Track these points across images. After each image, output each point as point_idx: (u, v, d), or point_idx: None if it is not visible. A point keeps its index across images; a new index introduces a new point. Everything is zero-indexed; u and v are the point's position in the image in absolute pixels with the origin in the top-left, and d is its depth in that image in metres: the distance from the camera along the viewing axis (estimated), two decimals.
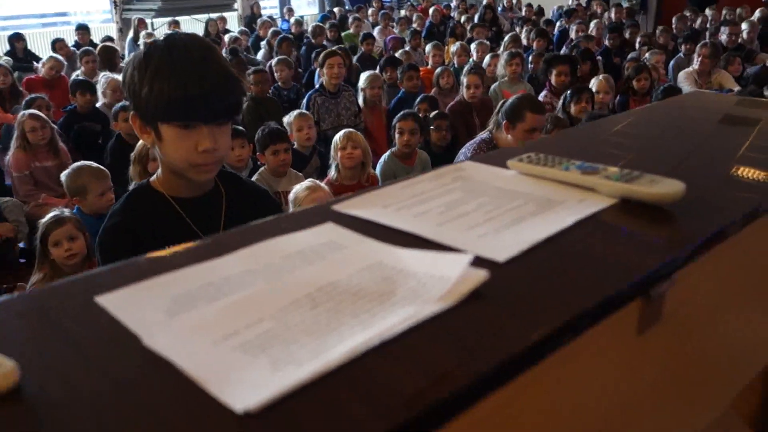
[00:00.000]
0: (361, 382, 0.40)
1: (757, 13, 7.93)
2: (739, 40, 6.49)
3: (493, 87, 5.13)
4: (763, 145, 0.90)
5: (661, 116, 1.13)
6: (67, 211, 2.56)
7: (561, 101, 4.00)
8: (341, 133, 3.26)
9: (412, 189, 0.72)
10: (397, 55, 6.11)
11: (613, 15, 8.71)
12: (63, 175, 2.92)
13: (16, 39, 7.50)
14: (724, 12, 8.35)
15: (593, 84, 4.37)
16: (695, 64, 5.27)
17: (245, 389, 0.39)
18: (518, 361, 0.44)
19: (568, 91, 3.98)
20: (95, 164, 3.01)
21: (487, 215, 0.65)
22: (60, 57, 6.16)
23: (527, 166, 0.75)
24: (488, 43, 6.51)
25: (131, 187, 1.60)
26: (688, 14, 8.05)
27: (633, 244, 0.59)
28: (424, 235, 0.60)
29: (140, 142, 3.26)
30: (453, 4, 10.58)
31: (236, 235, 0.61)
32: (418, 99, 4.48)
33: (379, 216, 0.64)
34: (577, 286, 0.52)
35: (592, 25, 7.59)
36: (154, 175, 1.27)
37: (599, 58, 6.01)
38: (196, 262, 0.55)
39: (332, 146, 3.26)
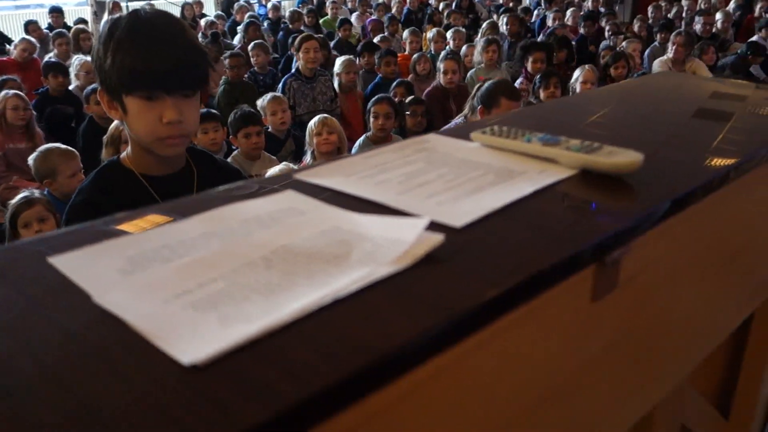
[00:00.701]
0: (312, 335, 0.40)
1: (731, 3, 8.02)
2: (714, 29, 6.57)
3: (469, 73, 5.14)
4: (736, 128, 0.91)
5: (634, 91, 1.15)
6: (37, 192, 2.52)
7: (531, 87, 4.03)
8: (316, 118, 3.25)
9: (375, 159, 0.72)
10: (375, 40, 6.08)
11: (590, 4, 8.75)
12: (30, 159, 2.87)
13: None
14: (699, 2, 8.43)
15: (578, 73, 4.37)
16: (670, 53, 5.32)
17: (193, 344, 0.39)
18: (469, 320, 0.45)
19: (537, 77, 4.01)
20: (63, 146, 2.97)
21: (447, 184, 0.65)
22: (32, 39, 6.05)
23: (490, 138, 0.76)
24: (464, 30, 6.51)
25: None
26: (663, 4, 8.12)
27: (589, 212, 0.60)
28: (383, 202, 0.60)
29: (113, 124, 3.23)
30: None
31: (195, 201, 0.61)
32: (394, 84, 4.47)
33: (340, 184, 0.64)
34: (533, 250, 0.53)
35: (568, 13, 7.62)
36: (124, 153, 1.26)
37: (574, 45, 6.04)
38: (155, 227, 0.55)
39: (307, 132, 3.25)
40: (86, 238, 0.53)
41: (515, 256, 0.52)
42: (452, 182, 0.66)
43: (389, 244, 0.51)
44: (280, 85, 4.45)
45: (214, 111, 3.49)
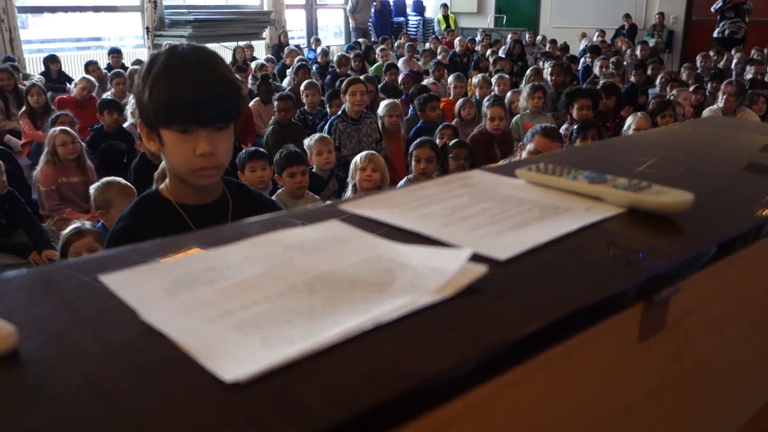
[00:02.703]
0: (353, 359, 0.40)
1: None
2: (765, 79, 6.46)
3: (514, 119, 5.15)
4: None
5: (685, 134, 1.13)
6: (88, 224, 2.59)
7: (568, 136, 4.00)
8: (363, 153, 3.28)
9: (419, 193, 0.73)
10: (420, 85, 6.16)
11: (638, 52, 8.72)
12: (92, 188, 2.98)
13: (51, 61, 7.71)
14: (752, 52, 8.33)
15: (630, 120, 4.32)
16: (720, 102, 5.24)
17: (236, 362, 0.39)
18: (512, 352, 0.44)
19: (574, 127, 3.97)
20: (124, 181, 3.06)
21: (492, 218, 0.65)
22: (91, 78, 6.31)
23: (535, 175, 0.76)
24: (507, 76, 6.55)
25: None
26: (712, 54, 8.03)
27: (637, 251, 0.59)
28: (426, 233, 0.60)
29: (161, 165, 3.33)
30: (477, 38, 10.68)
31: (241, 227, 0.62)
32: (441, 127, 4.50)
33: (384, 215, 0.65)
34: (579, 284, 0.52)
35: (614, 60, 7.60)
36: (163, 184, 1.29)
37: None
38: (200, 248, 0.56)
39: (352, 166, 3.28)
40: (135, 259, 0.54)
41: (560, 291, 0.51)
42: (496, 216, 0.65)
43: (432, 274, 0.51)
44: (327, 126, 4.53)
45: (262, 150, 3.56)
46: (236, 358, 0.39)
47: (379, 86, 6.48)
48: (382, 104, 4.75)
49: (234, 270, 0.52)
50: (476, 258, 0.54)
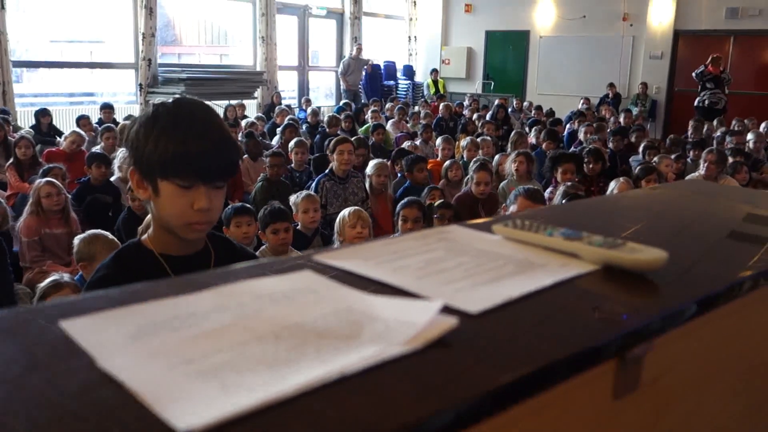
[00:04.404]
0: (315, 410, 0.39)
1: (763, 125, 8.10)
2: (746, 149, 6.60)
3: (501, 185, 5.19)
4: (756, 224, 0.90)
5: (659, 196, 1.14)
6: (66, 276, 2.56)
7: (552, 200, 4.03)
8: (351, 209, 3.30)
9: (395, 246, 0.72)
10: (406, 147, 6.24)
11: (622, 120, 8.92)
12: (77, 239, 2.96)
13: (42, 114, 7.76)
14: (733, 123, 8.53)
15: (613, 185, 4.37)
16: (701, 170, 5.33)
17: (191, 410, 0.38)
18: (480, 407, 0.43)
19: (559, 190, 4.01)
20: (110, 236, 3.04)
21: (466, 272, 0.64)
22: (81, 132, 6.34)
23: (512, 231, 0.76)
24: (490, 138, 6.68)
25: None
26: (693, 123, 8.22)
27: (611, 307, 0.59)
28: (400, 286, 0.60)
29: (148, 216, 3.32)
30: (465, 103, 10.91)
31: (212, 276, 0.61)
32: (427, 189, 4.53)
33: (357, 267, 0.64)
34: (550, 339, 0.51)
35: (595, 125, 7.76)
36: (146, 234, 1.28)
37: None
38: (167, 297, 0.55)
39: (338, 222, 3.28)
40: (99, 305, 0.53)
41: (531, 346, 0.50)
42: (471, 270, 0.65)
43: (401, 326, 0.50)
44: (314, 184, 4.56)
45: (248, 206, 3.57)
46: (192, 405, 0.38)
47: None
48: (371, 164, 4.80)
49: (200, 318, 0.51)
50: (448, 310, 0.53)
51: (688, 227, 0.91)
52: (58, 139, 7.07)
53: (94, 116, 8.17)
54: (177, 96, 1.22)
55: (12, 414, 0.37)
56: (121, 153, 5.14)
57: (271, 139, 7.56)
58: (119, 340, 0.47)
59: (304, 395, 0.40)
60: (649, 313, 0.57)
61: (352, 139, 5.25)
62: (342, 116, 8.23)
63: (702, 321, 0.63)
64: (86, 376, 0.41)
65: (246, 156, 5.82)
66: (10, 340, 0.46)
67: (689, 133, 7.93)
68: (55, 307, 0.53)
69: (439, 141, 6.51)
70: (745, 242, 0.83)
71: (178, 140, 1.13)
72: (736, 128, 8.00)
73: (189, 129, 1.14)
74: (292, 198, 3.84)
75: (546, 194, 4.40)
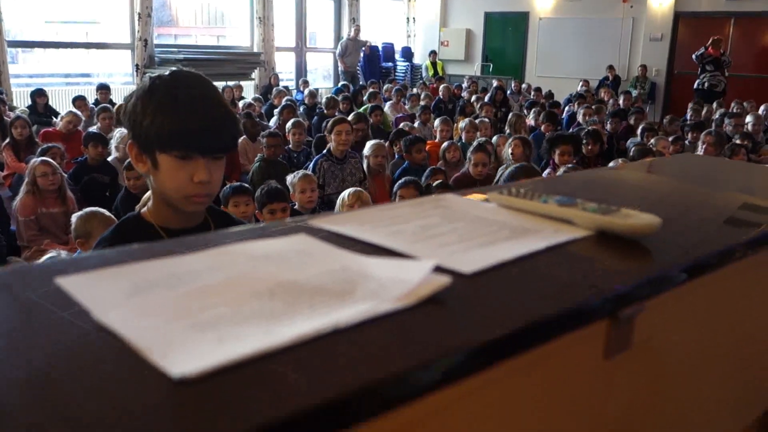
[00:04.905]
0: (307, 360, 0.39)
1: (762, 108, 8.08)
2: (744, 131, 6.59)
3: (500, 169, 5.18)
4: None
5: (655, 169, 1.15)
6: (64, 254, 2.57)
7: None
8: (350, 190, 3.30)
9: (391, 212, 0.73)
10: (405, 128, 6.22)
11: (621, 102, 8.90)
12: (74, 216, 2.96)
13: (38, 95, 7.72)
14: (732, 105, 8.52)
15: (612, 165, 4.37)
16: (699, 152, 5.34)
17: (187, 358, 0.38)
18: (472, 359, 0.44)
19: (560, 171, 4.01)
20: (107, 213, 3.04)
21: (461, 237, 0.65)
22: (78, 112, 6.32)
23: (507, 198, 0.76)
24: (488, 120, 6.66)
25: None
26: (692, 105, 8.20)
27: (603, 269, 0.59)
28: (395, 248, 0.60)
29: (145, 195, 3.31)
30: (464, 85, 10.86)
31: (208, 238, 0.61)
32: (428, 170, 4.53)
33: (353, 231, 0.65)
34: (542, 298, 0.52)
35: (594, 107, 7.75)
36: (146, 207, 1.28)
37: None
38: (162, 258, 0.55)
39: (338, 203, 3.28)
40: (95, 264, 0.53)
41: (522, 303, 0.51)
42: (466, 236, 0.65)
43: (394, 284, 0.50)
44: (311, 164, 4.55)
45: (246, 185, 3.56)
46: (187, 354, 0.39)
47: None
48: (368, 144, 4.79)
49: (196, 276, 0.51)
50: (441, 271, 0.53)
51: (682, 197, 0.91)
52: (55, 119, 7.04)
53: (91, 97, 8.12)
54: (173, 69, 1.21)
55: (9, 361, 0.37)
56: (118, 133, 5.12)
57: (269, 121, 7.53)
58: (115, 296, 0.47)
59: (298, 346, 0.41)
60: (641, 274, 0.58)
61: (351, 114, 5.23)
62: (340, 98, 8.20)
63: (694, 285, 0.64)
64: (82, 329, 0.42)
65: (244, 137, 5.81)
66: (5, 294, 0.47)
67: (688, 115, 7.91)
68: (50, 265, 0.53)
69: (437, 122, 6.49)
70: (739, 211, 0.84)
71: (177, 116, 1.12)
72: (735, 110, 7.99)
73: (188, 104, 1.13)
74: (289, 178, 3.83)
75: (544, 176, 4.40)
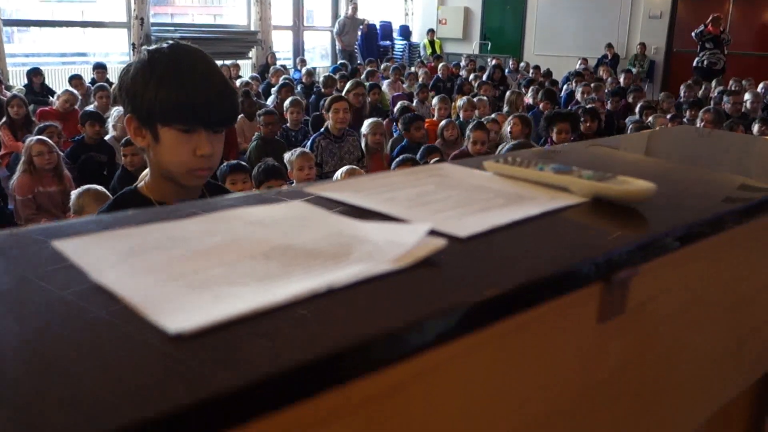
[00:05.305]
0: (302, 317, 0.40)
1: (760, 86, 8.06)
2: (743, 109, 6.58)
3: (499, 148, 5.18)
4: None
5: (653, 138, 1.15)
6: None
7: None
8: (345, 168, 3.29)
9: (387, 180, 0.73)
10: (404, 107, 6.20)
11: (622, 80, 8.85)
12: (73, 193, 2.98)
13: (34, 74, 7.67)
14: (730, 83, 8.49)
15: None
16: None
17: (183, 315, 0.39)
18: (466, 318, 0.44)
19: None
20: (100, 188, 3.04)
21: (456, 204, 0.65)
22: (74, 91, 6.28)
23: (503, 167, 0.76)
24: (486, 98, 6.64)
25: None
26: (691, 83, 8.17)
27: (597, 233, 0.59)
28: (390, 213, 0.60)
29: (143, 173, 3.31)
30: (462, 64, 10.80)
31: (203, 204, 0.61)
32: (423, 149, 4.52)
33: (349, 197, 0.65)
34: (536, 260, 0.52)
35: (593, 85, 7.71)
36: (143, 182, 1.28)
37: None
38: (158, 222, 0.55)
39: (333, 180, 3.29)
40: (91, 228, 0.53)
41: (516, 265, 0.51)
42: (461, 202, 0.65)
43: (389, 246, 0.51)
44: (309, 142, 4.54)
45: (243, 163, 3.56)
46: (183, 311, 0.39)
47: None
48: (366, 122, 4.77)
49: (192, 240, 0.52)
50: (436, 234, 0.54)
51: (678, 166, 0.91)
52: (51, 98, 7.00)
53: (87, 76, 8.07)
54: (171, 42, 1.20)
55: (3, 321, 0.38)
56: (115, 112, 5.10)
57: (266, 100, 7.49)
58: (112, 258, 0.47)
59: (292, 305, 0.41)
60: (634, 239, 0.58)
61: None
62: (337, 76, 8.15)
63: (689, 251, 0.64)
64: (78, 289, 0.42)
65: (241, 115, 5.78)
66: (2, 257, 0.47)
67: (682, 93, 7.88)
68: (46, 229, 0.53)
69: (435, 101, 6.46)
70: (734, 181, 0.84)
71: (181, 88, 1.12)
72: (733, 88, 7.96)
73: (190, 76, 1.13)
74: (287, 155, 3.82)
75: None
